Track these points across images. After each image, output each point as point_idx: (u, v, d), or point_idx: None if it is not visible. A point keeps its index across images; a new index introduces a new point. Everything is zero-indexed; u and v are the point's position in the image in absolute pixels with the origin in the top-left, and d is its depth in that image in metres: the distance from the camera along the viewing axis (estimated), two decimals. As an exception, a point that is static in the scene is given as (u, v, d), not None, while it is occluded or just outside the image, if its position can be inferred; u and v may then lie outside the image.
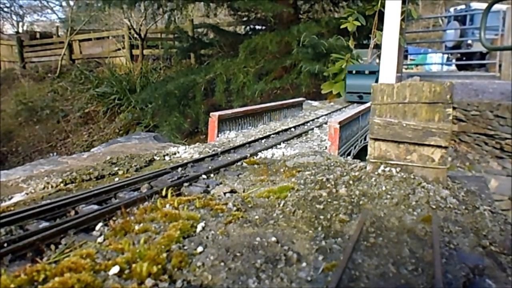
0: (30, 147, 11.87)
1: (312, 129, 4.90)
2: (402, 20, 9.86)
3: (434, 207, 1.86)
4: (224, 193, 2.35)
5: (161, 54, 14.66)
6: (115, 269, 1.35)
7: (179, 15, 13.81)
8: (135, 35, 14.66)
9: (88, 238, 1.73)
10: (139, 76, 13.31)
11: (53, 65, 15.14)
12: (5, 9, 18.51)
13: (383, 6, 4.15)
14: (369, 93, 4.83)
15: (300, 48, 9.75)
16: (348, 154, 4.37)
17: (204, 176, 2.67)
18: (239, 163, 3.08)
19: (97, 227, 1.84)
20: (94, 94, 13.13)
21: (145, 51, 14.89)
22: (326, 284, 1.29)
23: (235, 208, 1.96)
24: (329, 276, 1.32)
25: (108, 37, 15.73)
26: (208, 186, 2.50)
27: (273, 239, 1.59)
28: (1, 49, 16.08)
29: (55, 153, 11.52)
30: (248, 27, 14.64)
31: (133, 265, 1.36)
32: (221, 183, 2.57)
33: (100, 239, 1.67)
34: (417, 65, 17.99)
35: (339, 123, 3.71)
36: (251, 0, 11.14)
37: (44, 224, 1.86)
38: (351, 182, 2.09)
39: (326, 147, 3.76)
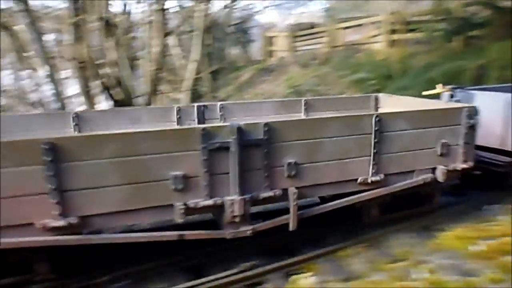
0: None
1: None
2: None
3: None
4: None
5: (421, 38, 14.06)
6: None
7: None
8: (395, 20, 14.55)
9: None
10: (397, 62, 13.24)
11: (317, 53, 16.76)
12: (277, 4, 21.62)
13: None
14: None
15: None
16: None
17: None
18: None
19: None
20: (352, 80, 13.91)
21: (405, 36, 14.57)
22: None
23: None
24: None
25: (367, 23, 16.19)
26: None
27: None
28: (277, 41, 18.92)
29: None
30: (537, 0, 12.24)
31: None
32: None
33: None
34: None
35: None
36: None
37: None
38: None
39: None
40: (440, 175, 4.02)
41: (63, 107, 9.85)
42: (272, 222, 3.54)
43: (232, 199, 3.24)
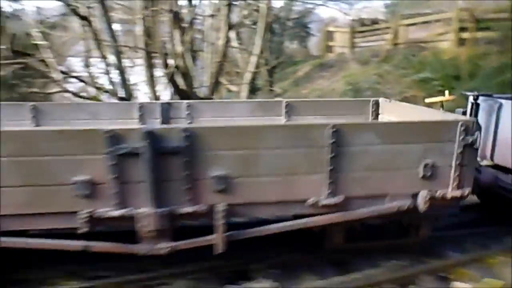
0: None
1: None
2: None
3: None
4: None
5: (494, 37, 13.16)
6: None
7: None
8: (466, 17, 13.71)
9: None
10: (466, 62, 12.51)
11: (378, 50, 16.24)
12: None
13: None
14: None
15: None
16: None
17: None
18: None
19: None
20: (415, 79, 13.35)
21: (476, 34, 13.71)
22: None
23: None
24: None
25: (433, 20, 15.39)
26: None
27: None
28: (337, 36, 18.55)
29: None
30: None
31: None
32: None
33: None
34: None
35: None
36: None
37: None
38: None
39: None
40: (421, 203, 3.30)
41: (129, 94, 10.32)
42: (194, 241, 3.18)
43: (145, 212, 2.93)
